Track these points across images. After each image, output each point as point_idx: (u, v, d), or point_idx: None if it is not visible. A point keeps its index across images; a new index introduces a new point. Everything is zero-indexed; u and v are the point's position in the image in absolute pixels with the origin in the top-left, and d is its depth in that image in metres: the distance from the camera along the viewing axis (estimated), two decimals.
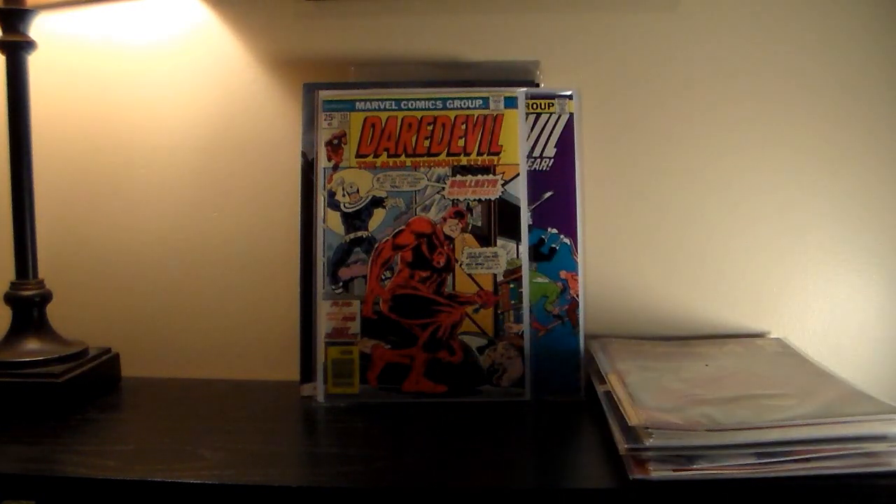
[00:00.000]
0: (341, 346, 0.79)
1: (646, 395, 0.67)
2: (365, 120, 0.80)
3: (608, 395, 0.72)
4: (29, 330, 0.81)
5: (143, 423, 0.76)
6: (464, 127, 0.80)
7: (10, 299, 0.81)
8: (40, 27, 0.84)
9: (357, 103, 0.81)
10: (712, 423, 0.60)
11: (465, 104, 0.81)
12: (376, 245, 0.79)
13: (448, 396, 0.78)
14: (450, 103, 0.81)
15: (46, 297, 0.82)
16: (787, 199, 0.88)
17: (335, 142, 0.80)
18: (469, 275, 0.79)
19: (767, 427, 0.59)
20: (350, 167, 0.80)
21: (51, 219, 0.91)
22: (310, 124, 0.82)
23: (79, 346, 0.82)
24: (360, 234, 0.79)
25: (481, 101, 0.81)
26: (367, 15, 0.89)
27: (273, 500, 0.61)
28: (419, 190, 0.80)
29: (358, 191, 0.80)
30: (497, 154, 0.80)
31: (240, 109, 0.91)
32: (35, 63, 0.81)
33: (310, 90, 0.83)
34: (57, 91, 0.92)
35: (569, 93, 0.82)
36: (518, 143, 0.80)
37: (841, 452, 0.59)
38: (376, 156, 0.80)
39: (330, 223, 0.80)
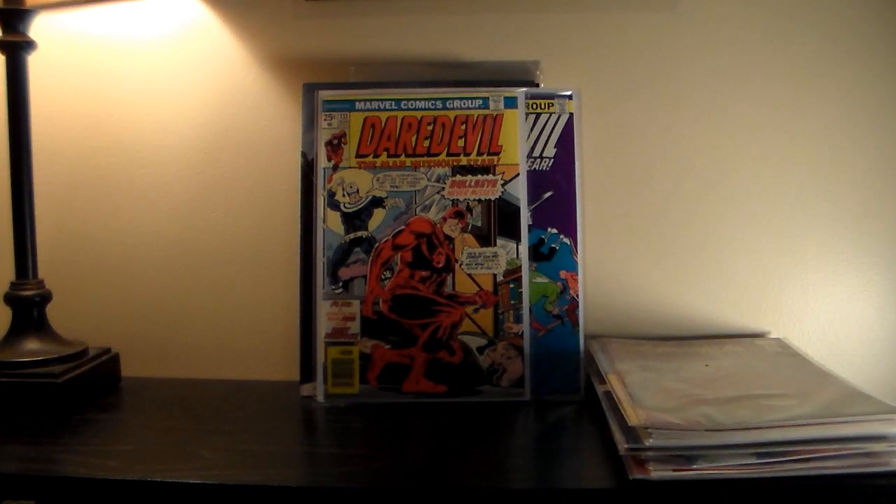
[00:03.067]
0: (341, 346, 0.79)
1: (646, 395, 0.67)
2: (365, 120, 0.80)
3: (608, 395, 0.72)
4: (29, 330, 0.81)
5: (142, 423, 0.76)
6: (463, 127, 0.80)
7: (10, 299, 0.81)
8: (40, 27, 0.84)
9: (357, 103, 0.81)
10: (712, 423, 0.60)
11: (464, 104, 0.81)
12: (376, 245, 0.79)
13: (448, 396, 0.78)
14: (449, 103, 0.81)
15: (46, 298, 0.82)
16: (787, 198, 0.88)
17: (335, 142, 0.80)
18: (469, 275, 0.79)
19: (767, 427, 0.60)
20: (350, 167, 0.80)
21: (51, 219, 0.91)
22: (310, 124, 0.82)
23: (79, 347, 0.82)
24: (359, 234, 0.79)
25: (481, 102, 0.81)
26: (367, 15, 0.89)
27: (273, 500, 0.61)
28: (419, 190, 0.80)
29: (358, 191, 0.80)
30: (497, 154, 0.80)
31: (240, 109, 0.91)
32: (35, 63, 0.82)
33: (310, 90, 0.83)
34: (57, 91, 0.92)
35: (569, 93, 0.81)
36: (518, 143, 0.80)
37: (841, 452, 0.59)
38: (376, 156, 0.80)
39: (330, 223, 0.80)
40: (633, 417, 0.62)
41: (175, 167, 0.92)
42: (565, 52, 0.88)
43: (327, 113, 0.81)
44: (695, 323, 0.89)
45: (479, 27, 0.88)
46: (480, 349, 0.79)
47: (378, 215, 0.80)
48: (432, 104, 0.81)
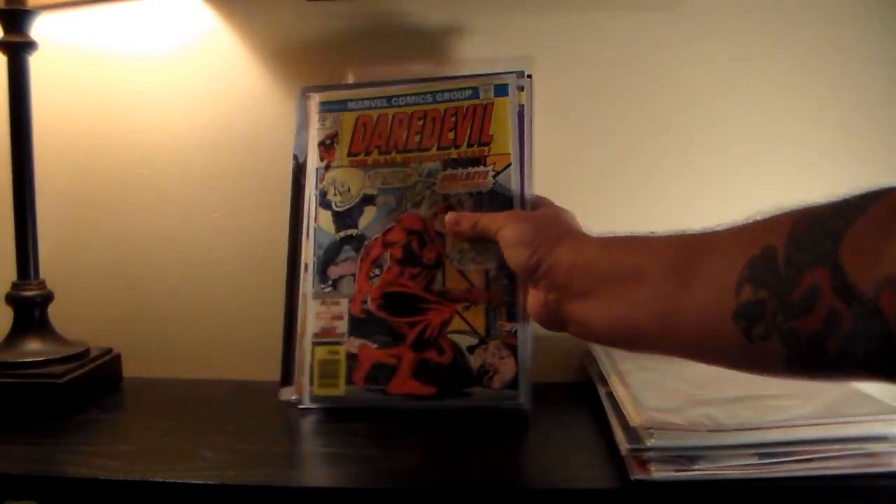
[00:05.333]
0: (328, 346, 0.76)
1: (647, 395, 0.67)
2: (357, 119, 0.79)
3: (610, 395, 0.72)
4: (30, 330, 0.81)
5: (144, 423, 0.76)
6: (454, 119, 0.77)
7: (11, 300, 0.81)
8: (42, 27, 0.84)
9: (349, 103, 0.79)
10: (714, 424, 0.60)
11: (454, 96, 0.78)
12: (366, 242, 0.77)
13: (437, 399, 0.74)
14: (440, 96, 0.78)
15: (48, 298, 0.82)
16: (787, 199, 0.88)
17: (328, 142, 0.79)
18: (460, 271, 0.75)
19: (769, 427, 0.59)
20: (342, 166, 0.78)
21: (52, 219, 0.91)
22: (303, 127, 0.81)
23: (80, 347, 0.82)
24: (350, 232, 0.77)
25: (471, 92, 0.77)
26: (369, 16, 0.89)
27: (274, 500, 0.61)
28: (410, 186, 0.77)
29: (350, 189, 0.78)
30: (487, 144, 0.76)
31: (241, 111, 0.91)
32: (37, 63, 0.81)
33: (305, 94, 0.81)
34: (58, 91, 0.92)
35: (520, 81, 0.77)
36: (510, 131, 0.76)
37: (842, 453, 0.59)
38: (367, 153, 0.78)
39: (321, 222, 0.78)
40: (635, 418, 0.62)
41: (176, 168, 0.92)
42: (565, 52, 0.88)
43: (322, 114, 0.79)
44: None
45: (480, 27, 0.88)
46: (471, 348, 0.74)
47: (369, 213, 0.77)
48: (422, 98, 0.78)
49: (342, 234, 0.77)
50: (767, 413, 0.61)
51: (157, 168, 0.92)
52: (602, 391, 0.75)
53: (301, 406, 0.76)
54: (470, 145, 0.76)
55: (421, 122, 0.78)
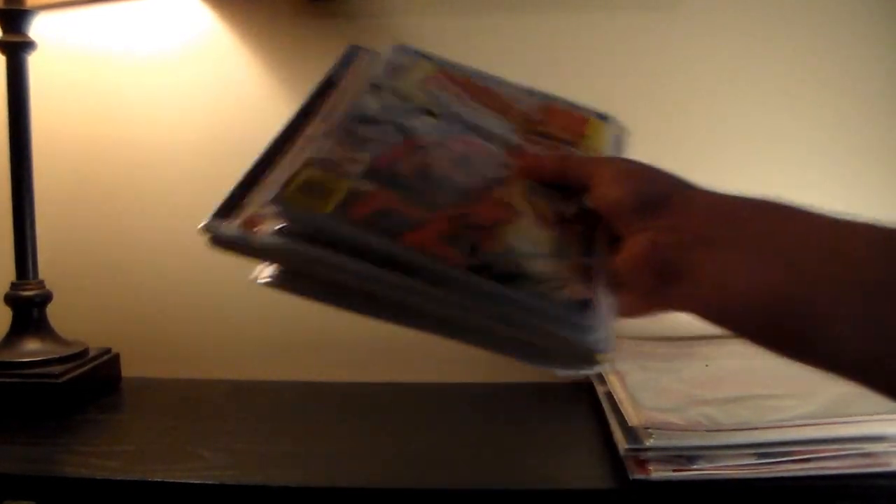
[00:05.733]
0: (326, 173, 0.49)
1: (646, 395, 0.67)
2: (433, 69, 0.61)
3: (609, 395, 0.72)
4: (29, 330, 0.81)
5: (143, 423, 0.76)
6: (545, 111, 0.61)
7: (10, 299, 0.81)
8: (42, 27, 0.84)
9: (430, 56, 0.62)
10: (712, 424, 0.60)
11: (551, 97, 0.62)
12: (417, 135, 0.54)
13: (464, 269, 0.45)
14: (535, 92, 0.62)
15: (46, 298, 0.82)
16: (788, 198, 0.88)
17: (393, 67, 0.60)
18: (529, 202, 0.52)
19: (767, 427, 0.60)
20: (406, 83, 0.58)
21: (51, 219, 0.91)
22: (343, 69, 0.61)
23: (79, 347, 0.82)
24: (397, 119, 0.55)
25: (570, 104, 0.63)
26: (371, 16, 0.89)
27: (273, 500, 0.61)
28: (480, 125, 0.57)
29: (409, 98, 0.57)
30: (581, 136, 0.60)
31: (241, 110, 0.91)
32: (36, 63, 0.81)
33: (357, 49, 0.62)
34: (57, 91, 0.92)
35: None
36: (606, 143, 0.61)
37: (840, 453, 0.59)
38: (440, 89, 0.59)
39: (361, 100, 0.56)
40: (634, 418, 0.62)
41: (176, 168, 0.92)
42: (566, 52, 0.88)
43: (395, 55, 0.61)
44: (695, 323, 0.89)
45: (480, 27, 0.88)
46: (531, 256, 0.49)
47: (424, 122, 0.55)
48: (514, 87, 0.62)
49: (386, 115, 0.55)
50: (766, 413, 0.62)
51: (156, 168, 0.92)
52: (601, 391, 0.75)
53: (250, 246, 0.50)
54: (560, 131, 0.60)
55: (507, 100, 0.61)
